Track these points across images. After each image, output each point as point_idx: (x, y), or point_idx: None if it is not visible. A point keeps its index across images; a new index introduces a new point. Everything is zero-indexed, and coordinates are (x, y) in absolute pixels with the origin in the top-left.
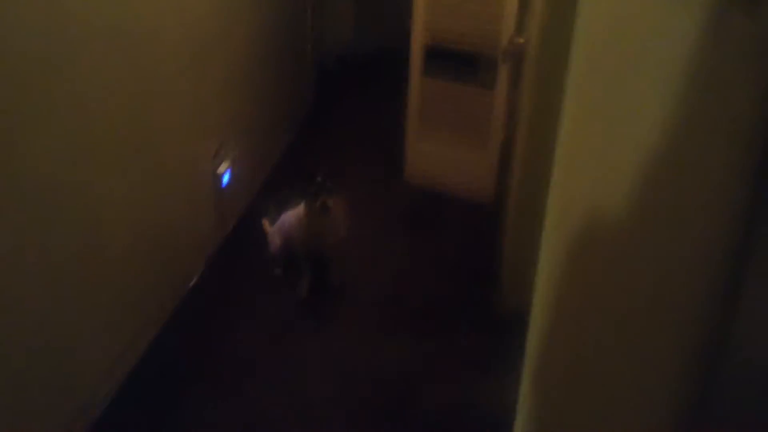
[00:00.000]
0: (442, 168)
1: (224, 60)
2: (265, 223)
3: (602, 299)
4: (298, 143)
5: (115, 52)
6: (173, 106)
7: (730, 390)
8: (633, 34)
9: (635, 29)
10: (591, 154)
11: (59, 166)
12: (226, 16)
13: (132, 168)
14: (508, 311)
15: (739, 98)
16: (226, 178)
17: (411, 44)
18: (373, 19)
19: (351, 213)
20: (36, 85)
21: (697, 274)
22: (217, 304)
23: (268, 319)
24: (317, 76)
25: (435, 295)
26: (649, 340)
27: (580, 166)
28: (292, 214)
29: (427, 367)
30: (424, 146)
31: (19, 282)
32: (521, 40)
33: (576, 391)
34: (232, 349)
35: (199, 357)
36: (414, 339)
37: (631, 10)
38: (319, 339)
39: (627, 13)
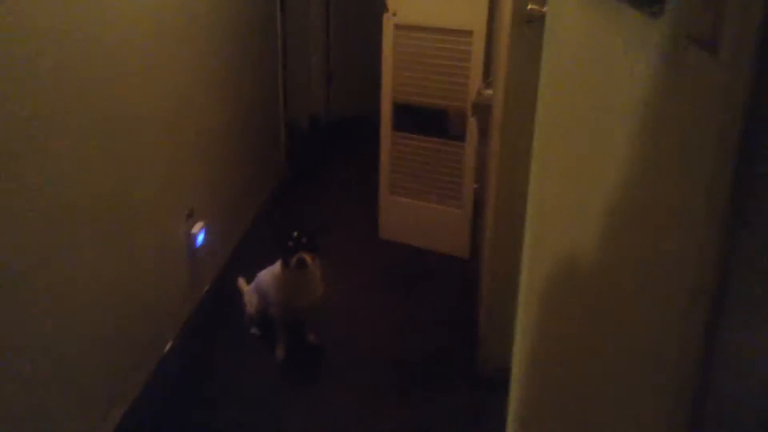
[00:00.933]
0: (417, 223)
1: (196, 124)
2: (241, 282)
3: (581, 347)
4: (272, 202)
5: (88, 125)
6: (146, 170)
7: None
8: (596, 78)
9: (598, 73)
10: (561, 199)
11: (26, 238)
12: (197, 84)
13: (103, 236)
14: (491, 368)
15: (702, 136)
16: (200, 238)
17: (381, 101)
18: (346, 79)
19: (327, 271)
20: (7, 161)
21: (674, 315)
22: (193, 370)
23: (246, 385)
24: (290, 135)
25: (418, 354)
26: (632, 385)
27: (551, 211)
28: (268, 272)
29: (415, 428)
30: (397, 201)
31: None
32: (489, 92)
33: None
34: (208, 419)
35: (176, 429)
36: (398, 401)
37: (592, 54)
38: (300, 404)
39: (589, 58)
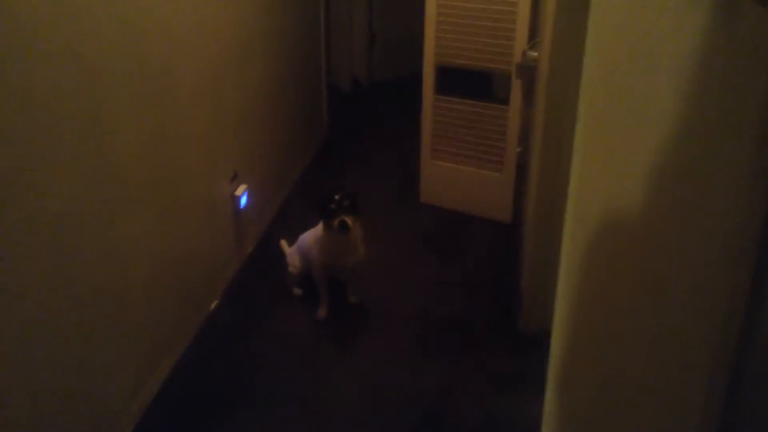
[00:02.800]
0: (458, 187)
1: (240, 87)
2: (283, 244)
3: (624, 308)
4: (314, 165)
5: (133, 88)
6: (190, 134)
7: (754, 394)
8: (644, 36)
9: (646, 30)
10: (607, 159)
11: (80, 202)
12: (240, 46)
13: (152, 199)
14: (531, 328)
15: (753, 90)
16: (243, 200)
17: (423, 64)
18: (389, 41)
19: (368, 233)
20: (62, 126)
21: (720, 274)
22: (238, 328)
23: (290, 342)
24: (332, 99)
25: (459, 315)
26: (675, 346)
27: (596, 172)
28: (310, 234)
29: (454, 387)
30: (438, 166)
31: (46, 314)
32: (534, 54)
33: (601, 405)
34: (255, 374)
35: (222, 383)
36: (440, 359)
37: (641, 12)
38: (340, 361)
39: (637, 16)
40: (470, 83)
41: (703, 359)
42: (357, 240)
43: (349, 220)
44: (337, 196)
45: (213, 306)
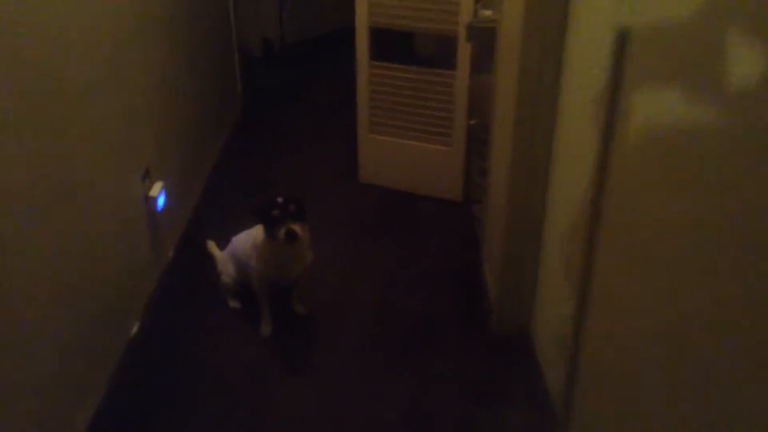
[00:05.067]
0: (402, 164)
1: (144, 67)
2: (212, 246)
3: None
4: (232, 146)
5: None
6: (85, 130)
7: None
8: None
9: None
10: None
11: None
12: (140, 19)
13: (49, 211)
14: (503, 328)
15: None
16: (161, 201)
17: (356, 26)
18: None
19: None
20: None
21: None
22: (166, 354)
23: (231, 367)
24: (243, 66)
25: (420, 315)
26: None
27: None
28: (246, 240)
29: (424, 401)
30: (378, 141)
31: None
32: (488, 13)
33: None
34: (191, 412)
35: (155, 426)
36: (405, 369)
37: None
38: (295, 382)
39: None
40: (410, 47)
41: None
42: (305, 247)
43: (297, 228)
44: (280, 199)
45: (134, 331)
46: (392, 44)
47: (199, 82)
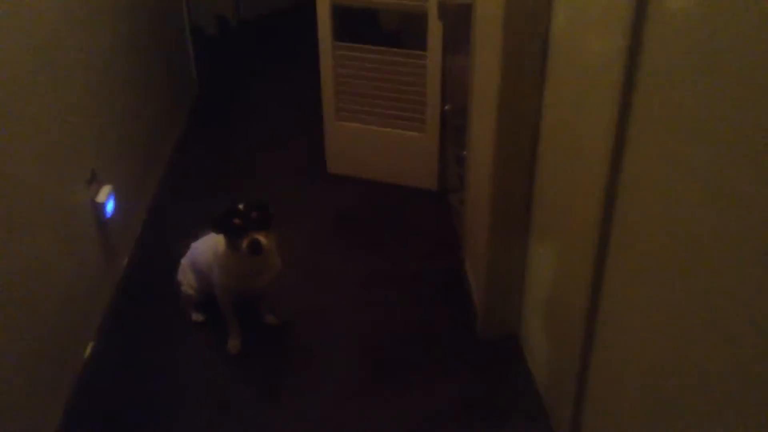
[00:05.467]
0: (372, 152)
1: (86, 55)
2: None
3: None
4: (188, 136)
5: None
6: (17, 130)
7: None
8: None
9: None
10: None
11: None
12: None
13: None
14: (491, 333)
15: None
16: (110, 207)
17: (316, 3)
18: None
19: (280, 234)
20: None
21: None
22: (125, 376)
23: (194, 389)
24: (197, 46)
25: (403, 324)
26: None
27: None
28: (207, 247)
29: (414, 425)
30: (346, 128)
31: None
32: None
33: None
34: None
35: None
36: (393, 388)
37: None
38: (269, 406)
39: None
40: (377, 27)
41: None
42: (272, 256)
43: (262, 239)
44: (241, 206)
45: (88, 352)
46: (357, 23)
47: (147, 68)
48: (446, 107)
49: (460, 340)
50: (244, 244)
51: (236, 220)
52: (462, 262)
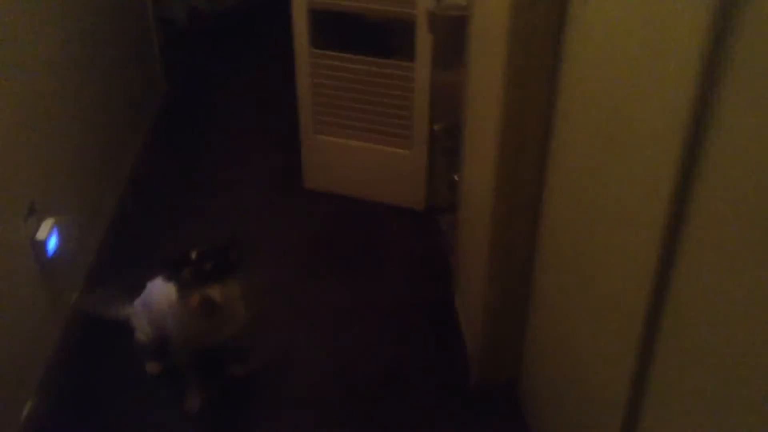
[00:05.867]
0: (354, 168)
1: (21, 58)
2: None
3: None
4: (153, 148)
5: None
6: None
7: None
8: None
9: None
10: None
11: None
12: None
13: None
14: (487, 380)
15: None
16: (52, 244)
17: (291, 6)
18: None
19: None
20: None
21: None
22: None
23: None
24: (165, 39)
25: (390, 370)
26: None
27: None
28: (162, 291)
29: None
30: (325, 142)
31: None
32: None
33: None
34: None
35: None
36: None
37: None
38: None
39: None
40: (359, 32)
41: None
42: (233, 308)
43: (216, 295)
44: (194, 254)
45: (26, 412)
46: (338, 28)
47: (105, 71)
48: (435, 126)
49: (449, 386)
50: (194, 301)
51: (187, 271)
52: (452, 294)
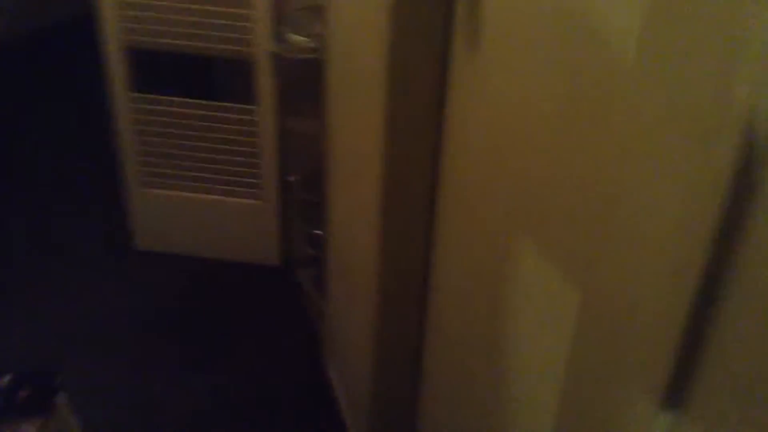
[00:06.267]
0: (195, 223)
1: None
2: None
3: None
4: None
5: None
6: None
7: None
8: None
9: None
10: None
11: None
12: None
13: None
14: None
15: None
16: None
17: (103, 47)
18: None
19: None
20: None
21: None
22: None
23: None
24: None
25: None
26: None
27: None
28: None
29: None
30: (158, 196)
31: None
32: (300, 39)
33: None
34: None
35: None
36: None
37: None
38: None
39: None
40: (186, 73)
41: None
42: None
43: None
44: (6, 379)
45: None
46: (163, 68)
47: None
48: (291, 177)
49: None
50: None
51: None
52: (324, 364)
